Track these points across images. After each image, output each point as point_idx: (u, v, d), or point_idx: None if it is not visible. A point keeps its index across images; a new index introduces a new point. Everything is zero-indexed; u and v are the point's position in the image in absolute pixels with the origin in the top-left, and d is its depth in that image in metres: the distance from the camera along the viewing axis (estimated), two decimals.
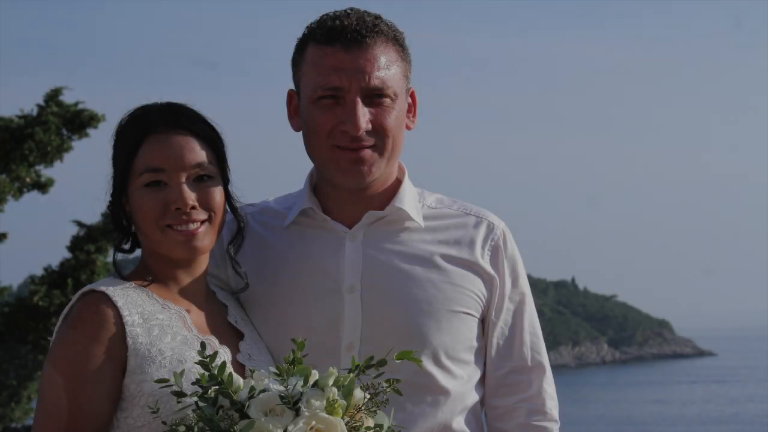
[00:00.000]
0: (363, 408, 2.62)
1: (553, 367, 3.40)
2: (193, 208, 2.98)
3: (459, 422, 3.22)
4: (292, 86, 3.27)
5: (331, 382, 2.59)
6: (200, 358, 2.63)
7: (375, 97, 3.14)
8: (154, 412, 2.74)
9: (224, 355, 2.97)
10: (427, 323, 3.16)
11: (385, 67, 3.15)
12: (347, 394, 2.59)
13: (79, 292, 2.93)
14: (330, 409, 2.56)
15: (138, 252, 3.11)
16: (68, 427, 2.81)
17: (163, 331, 2.91)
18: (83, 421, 2.82)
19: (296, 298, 3.19)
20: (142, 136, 2.99)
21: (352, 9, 3.19)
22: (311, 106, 3.16)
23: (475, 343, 3.25)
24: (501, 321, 3.29)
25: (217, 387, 2.60)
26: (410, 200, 3.28)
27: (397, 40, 3.20)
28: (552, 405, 3.32)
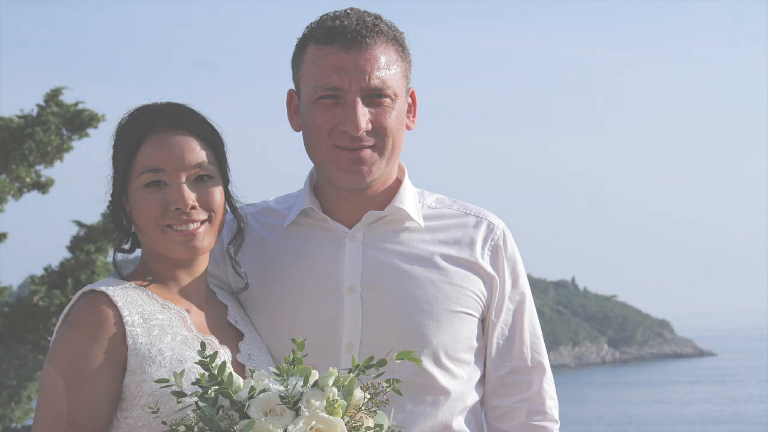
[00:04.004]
0: (363, 408, 2.61)
1: (553, 367, 3.40)
2: (193, 208, 2.98)
3: (459, 422, 3.21)
4: (292, 86, 3.28)
5: (331, 382, 2.59)
6: (200, 358, 2.63)
7: (375, 97, 3.14)
8: (154, 412, 2.74)
9: (224, 355, 2.98)
10: (427, 323, 3.16)
11: (385, 67, 3.14)
12: (347, 394, 2.59)
13: (79, 292, 2.93)
14: (330, 409, 2.56)
15: (138, 252, 3.12)
16: (68, 427, 2.81)
17: (163, 331, 2.91)
18: (83, 420, 2.82)
19: (296, 298, 3.19)
20: (142, 137, 2.99)
21: (352, 9, 3.19)
22: (311, 106, 3.16)
23: (475, 343, 3.25)
24: (501, 321, 3.29)
25: (217, 387, 2.60)
26: (410, 200, 3.28)
27: (397, 40, 3.20)
28: (552, 405, 3.32)
